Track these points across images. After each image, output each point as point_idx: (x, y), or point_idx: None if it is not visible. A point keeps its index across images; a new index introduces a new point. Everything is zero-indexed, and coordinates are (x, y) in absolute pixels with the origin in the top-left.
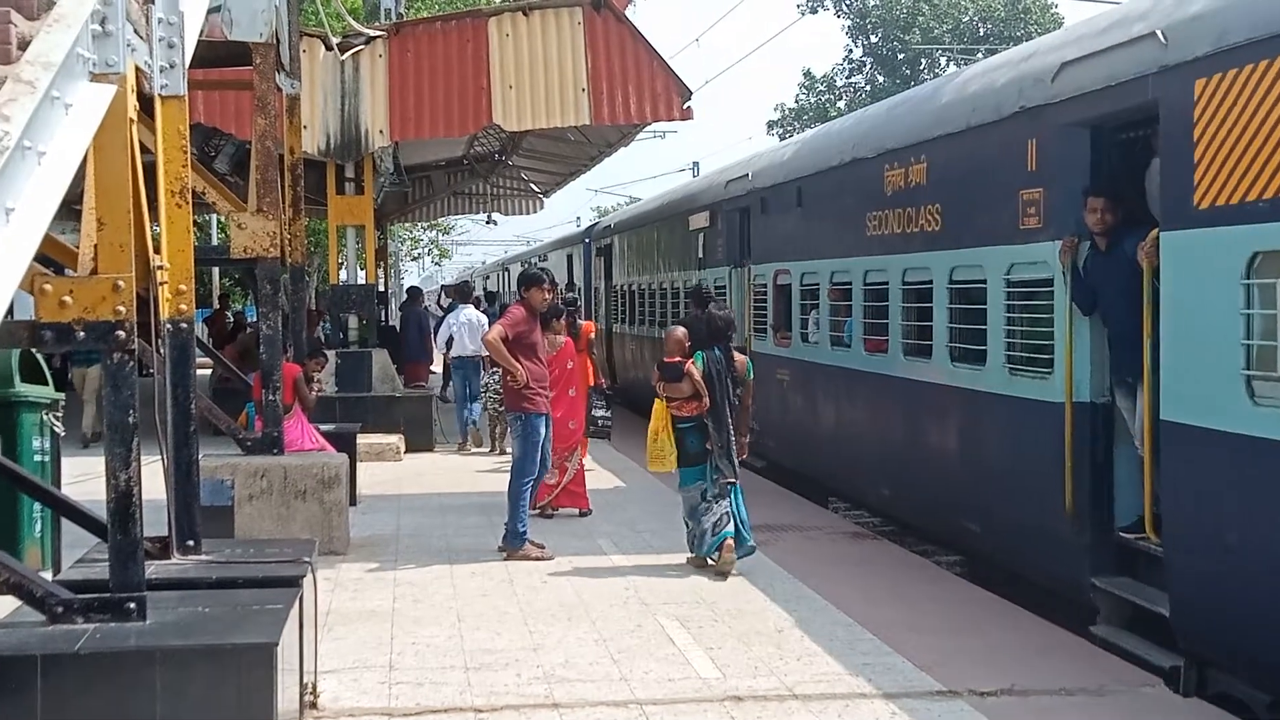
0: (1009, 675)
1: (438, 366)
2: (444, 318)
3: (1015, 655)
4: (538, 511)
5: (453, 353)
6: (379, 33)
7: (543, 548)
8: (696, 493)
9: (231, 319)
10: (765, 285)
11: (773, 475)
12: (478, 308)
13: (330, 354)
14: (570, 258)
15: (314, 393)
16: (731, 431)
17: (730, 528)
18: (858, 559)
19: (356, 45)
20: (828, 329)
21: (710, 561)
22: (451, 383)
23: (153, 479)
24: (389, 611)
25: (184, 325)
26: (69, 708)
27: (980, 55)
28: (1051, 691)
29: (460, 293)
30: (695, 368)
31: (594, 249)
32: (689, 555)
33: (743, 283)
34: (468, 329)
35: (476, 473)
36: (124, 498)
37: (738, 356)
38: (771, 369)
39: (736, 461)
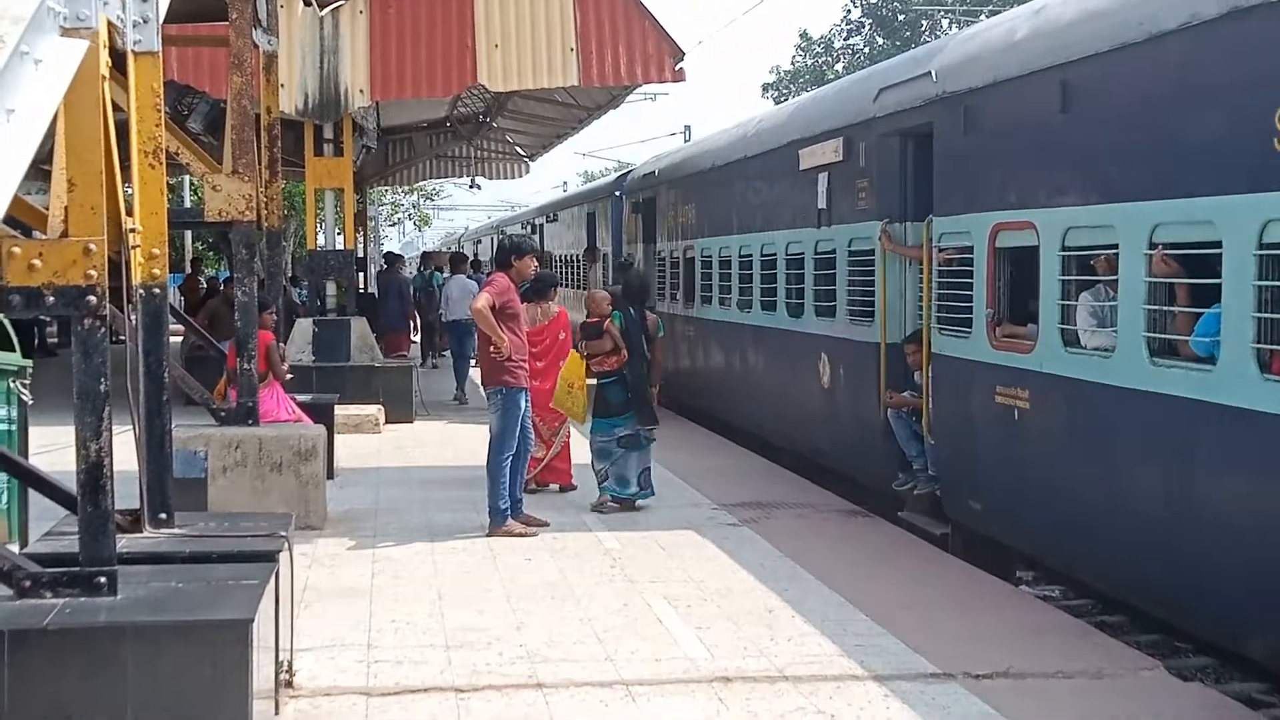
0: (1004, 657)
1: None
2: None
3: (1011, 636)
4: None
5: (449, 316)
6: None
7: (528, 524)
8: (611, 440)
9: (205, 284)
10: (969, 248)
11: (960, 547)
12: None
13: (307, 321)
14: (592, 215)
15: (284, 362)
16: (647, 382)
17: (650, 483)
18: (851, 537)
19: (336, 1)
20: (1143, 327)
21: (637, 506)
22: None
23: (123, 450)
24: (368, 588)
25: (157, 290)
26: (37, 684)
27: (983, 16)
28: (1048, 674)
29: (453, 261)
30: (614, 326)
31: (628, 204)
32: (597, 499)
33: (907, 244)
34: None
35: (458, 444)
36: (94, 469)
37: (649, 316)
38: (983, 387)
39: (655, 409)
